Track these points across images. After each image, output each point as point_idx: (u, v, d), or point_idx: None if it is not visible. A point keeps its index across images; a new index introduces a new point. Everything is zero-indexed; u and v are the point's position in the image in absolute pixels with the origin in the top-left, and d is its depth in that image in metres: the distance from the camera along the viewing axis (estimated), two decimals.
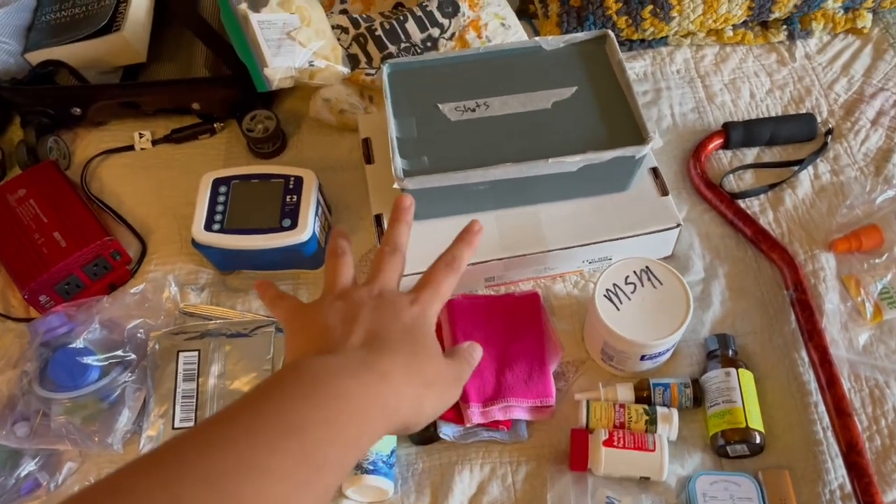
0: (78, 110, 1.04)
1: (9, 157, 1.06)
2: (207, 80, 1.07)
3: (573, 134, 0.85)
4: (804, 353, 0.83)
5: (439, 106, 0.88)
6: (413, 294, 0.57)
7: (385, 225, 0.89)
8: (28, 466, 0.80)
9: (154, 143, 1.07)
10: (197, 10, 1.10)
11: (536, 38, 0.94)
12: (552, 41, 0.93)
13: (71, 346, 0.82)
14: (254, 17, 0.95)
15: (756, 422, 0.76)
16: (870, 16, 1.11)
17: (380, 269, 0.59)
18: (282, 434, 0.41)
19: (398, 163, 0.83)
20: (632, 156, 0.83)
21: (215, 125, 1.07)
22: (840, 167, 0.99)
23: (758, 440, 0.75)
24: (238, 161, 1.05)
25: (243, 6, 0.95)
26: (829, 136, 1.01)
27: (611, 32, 0.92)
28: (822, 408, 0.80)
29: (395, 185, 0.81)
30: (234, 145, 1.07)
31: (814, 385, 0.81)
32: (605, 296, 0.79)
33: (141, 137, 1.07)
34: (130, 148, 1.07)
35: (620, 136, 0.84)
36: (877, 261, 0.89)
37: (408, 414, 0.50)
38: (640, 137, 0.84)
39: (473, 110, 0.88)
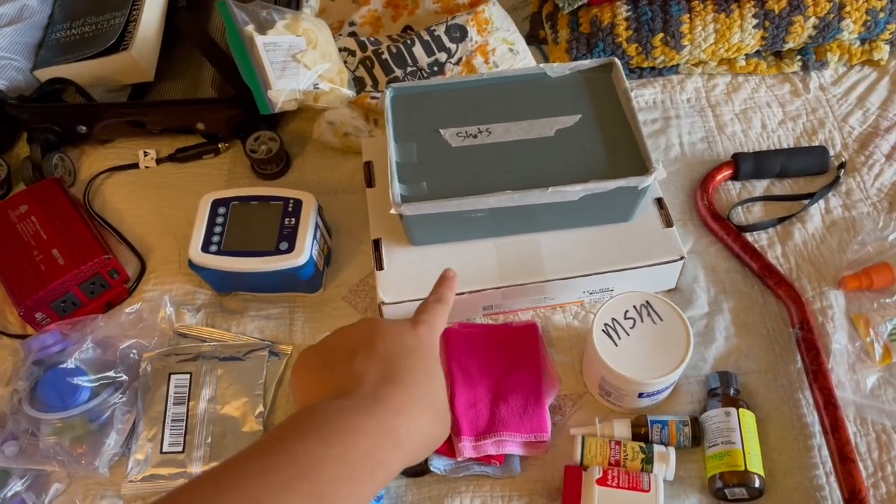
0: (84, 128, 1.04)
1: (15, 173, 1.06)
2: (212, 101, 1.07)
3: (576, 163, 0.84)
4: (809, 395, 0.81)
5: (441, 131, 0.87)
6: (414, 317, 0.59)
7: (383, 249, 0.88)
8: (15, 486, 0.79)
9: (158, 161, 1.07)
10: (206, 30, 1.11)
11: (542, 65, 0.92)
12: (557, 68, 0.91)
13: (62, 365, 0.81)
14: (259, 40, 0.94)
15: (756, 465, 0.74)
16: (887, 48, 1.08)
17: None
18: (295, 474, 0.42)
19: (396, 188, 0.82)
20: (635, 186, 0.81)
21: (220, 145, 1.07)
22: (852, 202, 0.96)
23: (757, 484, 0.73)
24: (241, 182, 1.04)
25: (250, 28, 0.95)
26: (842, 170, 0.98)
27: (617, 60, 0.91)
28: (825, 452, 0.77)
29: (392, 211, 0.80)
30: (237, 166, 1.06)
31: (817, 428, 0.79)
32: (603, 331, 0.77)
33: (146, 156, 1.07)
34: (135, 166, 1.07)
35: (624, 166, 0.83)
36: (887, 300, 0.86)
37: (420, 444, 0.51)
38: (643, 168, 0.82)
39: (475, 136, 0.87)
